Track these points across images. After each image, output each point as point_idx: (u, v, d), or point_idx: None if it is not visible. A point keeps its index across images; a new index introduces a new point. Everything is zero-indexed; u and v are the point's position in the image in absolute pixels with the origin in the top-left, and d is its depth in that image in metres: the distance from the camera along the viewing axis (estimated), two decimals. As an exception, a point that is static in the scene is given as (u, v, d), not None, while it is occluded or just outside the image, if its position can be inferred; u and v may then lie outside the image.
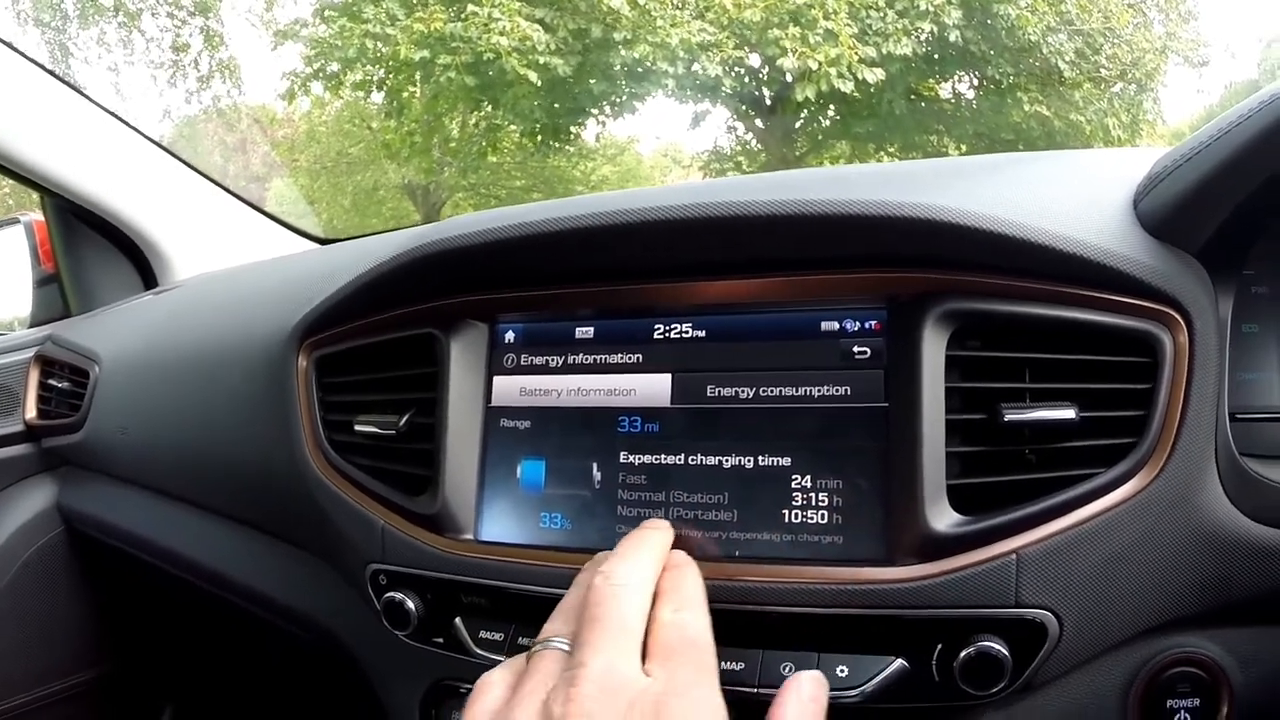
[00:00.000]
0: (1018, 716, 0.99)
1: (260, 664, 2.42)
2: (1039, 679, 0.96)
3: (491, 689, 0.85)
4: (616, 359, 1.15)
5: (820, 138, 18.90)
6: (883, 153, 17.91)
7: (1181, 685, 1.00)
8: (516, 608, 1.13)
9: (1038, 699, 0.99)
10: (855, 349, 1.04)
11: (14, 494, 2.16)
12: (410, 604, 1.18)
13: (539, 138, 18.75)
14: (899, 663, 0.95)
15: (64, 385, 2.13)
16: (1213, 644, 1.01)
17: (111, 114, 2.28)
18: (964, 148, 17.38)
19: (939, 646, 0.94)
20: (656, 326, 1.13)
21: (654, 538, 0.94)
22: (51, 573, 2.17)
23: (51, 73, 2.17)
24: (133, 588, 2.27)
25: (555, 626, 0.87)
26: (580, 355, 1.17)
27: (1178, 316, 0.95)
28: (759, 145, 19.91)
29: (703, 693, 0.79)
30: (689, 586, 0.90)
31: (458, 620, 1.17)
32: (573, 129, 19.10)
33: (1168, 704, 1.00)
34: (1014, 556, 0.93)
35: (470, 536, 1.17)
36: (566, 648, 0.83)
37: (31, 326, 2.42)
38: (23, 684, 2.13)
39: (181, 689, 2.47)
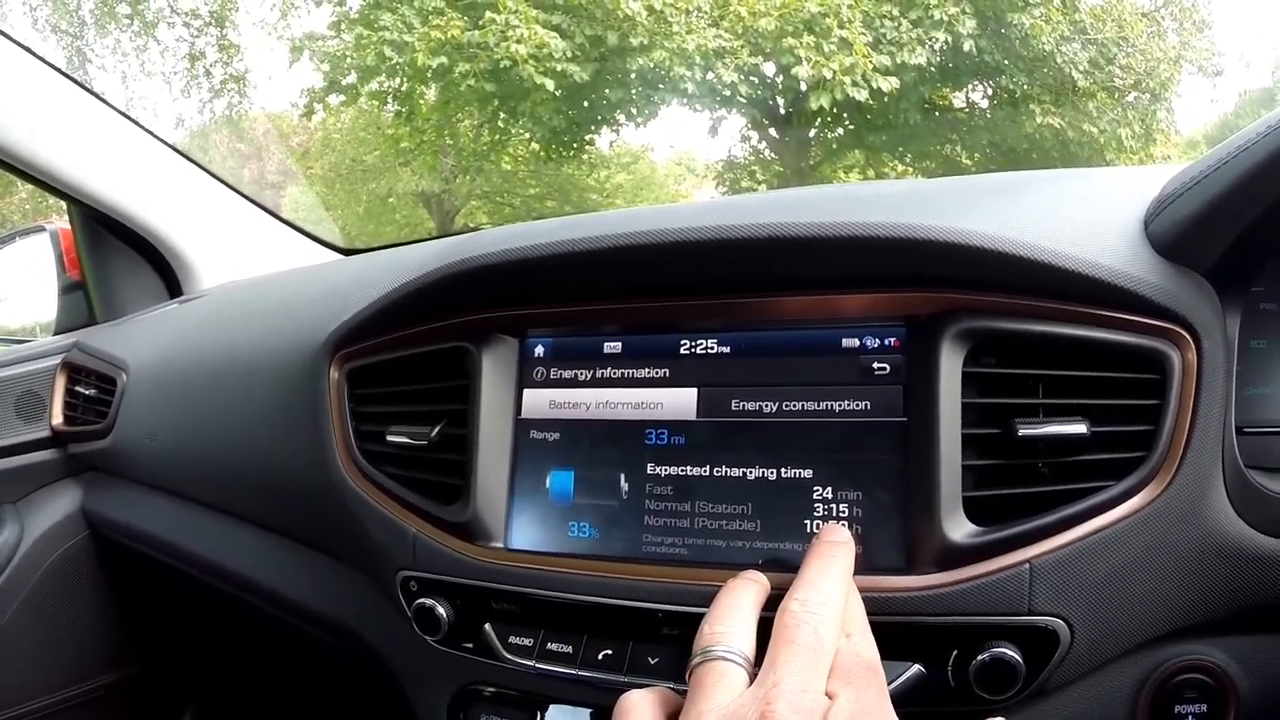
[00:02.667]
0: (1030, 721, 1.01)
1: (283, 667, 2.44)
2: (1051, 685, 0.99)
3: (638, 709, 0.87)
4: (644, 373, 1.17)
5: (834, 147, 18.86)
6: (897, 162, 17.86)
7: (1189, 691, 1.02)
8: (546, 614, 1.15)
9: (1049, 704, 1.02)
10: (875, 365, 1.07)
11: (40, 499, 2.18)
12: (441, 610, 1.21)
13: (553, 145, 18.72)
14: (916, 668, 0.98)
15: (91, 392, 2.14)
16: (1220, 651, 1.03)
17: (136, 122, 2.29)
18: (977, 157, 17.34)
19: (955, 653, 0.97)
20: (683, 342, 1.16)
21: (842, 558, 0.94)
22: (76, 577, 2.19)
23: (76, 81, 2.18)
24: (156, 592, 2.29)
25: (713, 631, 0.88)
26: (609, 369, 1.19)
27: (1186, 335, 0.98)
28: (773, 154, 19.86)
29: (888, 715, 0.81)
30: (854, 607, 0.91)
31: (487, 626, 1.19)
32: (587, 136, 19.06)
33: (1176, 710, 1.02)
34: (1027, 566, 0.95)
35: (500, 545, 1.20)
36: (731, 657, 0.85)
37: (56, 334, 2.43)
38: (47, 687, 2.14)
39: (203, 692, 2.49)
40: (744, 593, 0.93)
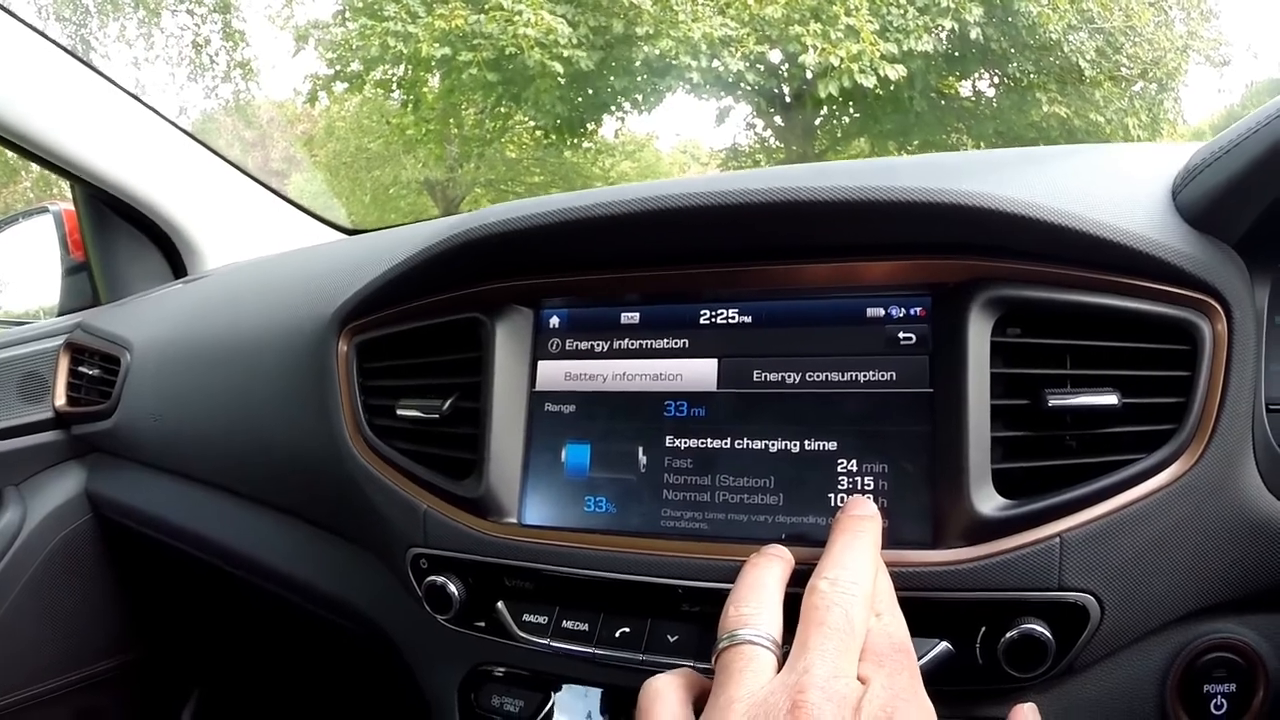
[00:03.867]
0: (1058, 699, 0.99)
1: (290, 648, 2.43)
2: (1080, 662, 0.97)
3: (664, 695, 0.85)
4: (662, 344, 1.16)
5: (840, 135, 18.89)
6: (903, 151, 17.85)
7: (1218, 670, 1.01)
8: (561, 591, 1.14)
9: (1078, 682, 1.00)
10: (900, 335, 1.05)
11: (43, 480, 2.18)
12: (452, 587, 1.19)
13: (557, 132, 18.73)
14: (943, 645, 0.96)
15: (94, 372, 2.14)
16: (1249, 630, 1.01)
17: (143, 103, 2.28)
18: (983, 146, 17.29)
19: (983, 629, 0.95)
20: (702, 312, 1.15)
21: (870, 533, 0.92)
22: (80, 559, 2.19)
23: (83, 60, 2.17)
24: (160, 574, 2.28)
25: (740, 613, 0.85)
26: (626, 340, 1.18)
27: (1217, 305, 0.96)
28: (778, 142, 19.90)
29: (922, 699, 0.79)
30: (883, 585, 0.89)
31: (500, 604, 1.17)
32: (591, 124, 19.08)
33: (1205, 689, 1.01)
34: (1058, 540, 0.94)
35: (514, 520, 1.18)
36: (758, 640, 0.82)
37: (60, 315, 2.42)
38: (50, 671, 2.14)
39: (209, 673, 2.48)
40: (769, 570, 0.91)
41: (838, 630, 0.79)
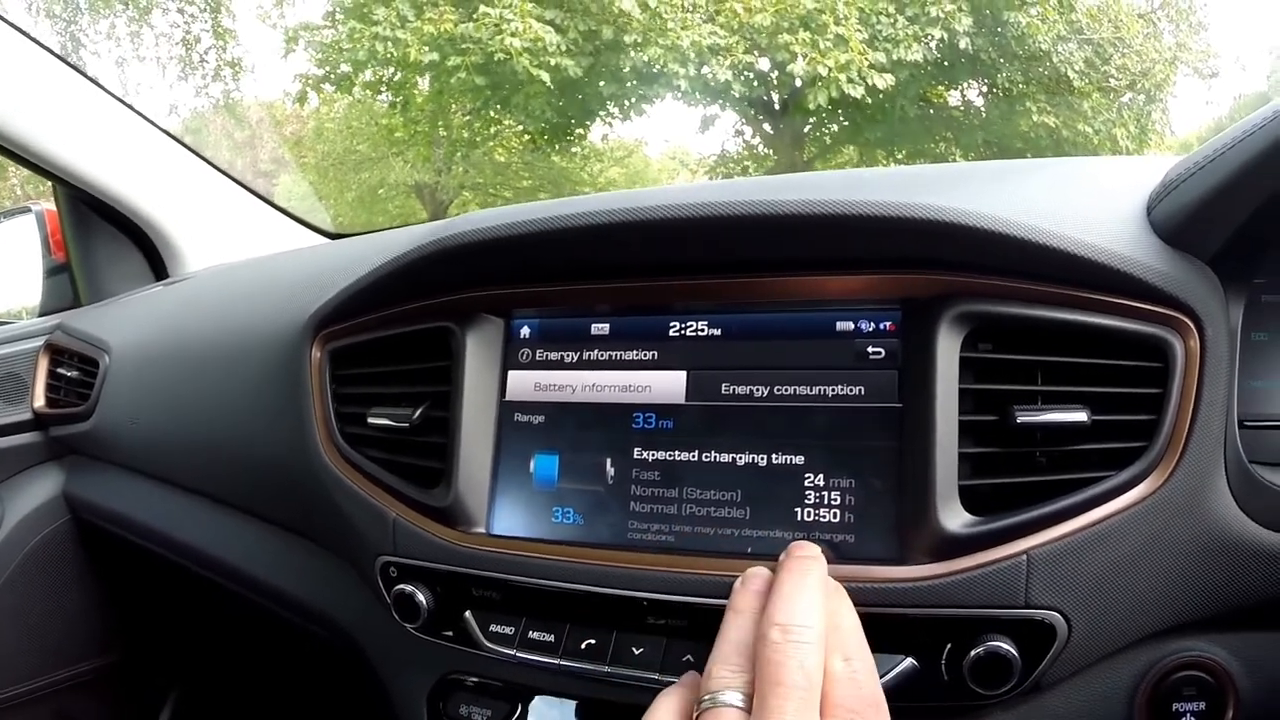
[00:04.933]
0: (1025, 717, 0.99)
1: (265, 653, 2.42)
2: (1047, 680, 0.97)
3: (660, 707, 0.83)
4: (632, 356, 1.16)
5: (828, 143, 18.92)
6: (891, 159, 17.89)
7: (1188, 689, 1.01)
8: (527, 602, 1.13)
9: (1045, 700, 1.00)
10: (870, 349, 1.05)
11: (21, 482, 2.16)
12: (420, 596, 1.19)
13: (545, 137, 18.73)
14: (908, 662, 0.96)
15: (73, 374, 2.12)
16: (1219, 648, 1.01)
17: (126, 105, 2.27)
18: (971, 156, 17.31)
19: (948, 646, 0.95)
20: (672, 324, 1.14)
21: (815, 573, 0.88)
22: (57, 561, 2.17)
23: (67, 62, 2.16)
24: (138, 577, 2.27)
25: (723, 675, 0.82)
26: (596, 351, 1.18)
27: (1189, 322, 0.96)
28: (766, 150, 19.90)
29: None
30: (849, 624, 0.86)
31: (468, 614, 1.17)
32: (580, 130, 19.09)
33: (1174, 707, 1.01)
34: (1025, 557, 0.93)
35: (482, 530, 1.18)
36: (740, 704, 0.79)
37: (41, 315, 2.41)
38: (29, 672, 2.13)
39: (186, 676, 2.47)
40: (747, 624, 0.86)
41: (795, 687, 0.76)
